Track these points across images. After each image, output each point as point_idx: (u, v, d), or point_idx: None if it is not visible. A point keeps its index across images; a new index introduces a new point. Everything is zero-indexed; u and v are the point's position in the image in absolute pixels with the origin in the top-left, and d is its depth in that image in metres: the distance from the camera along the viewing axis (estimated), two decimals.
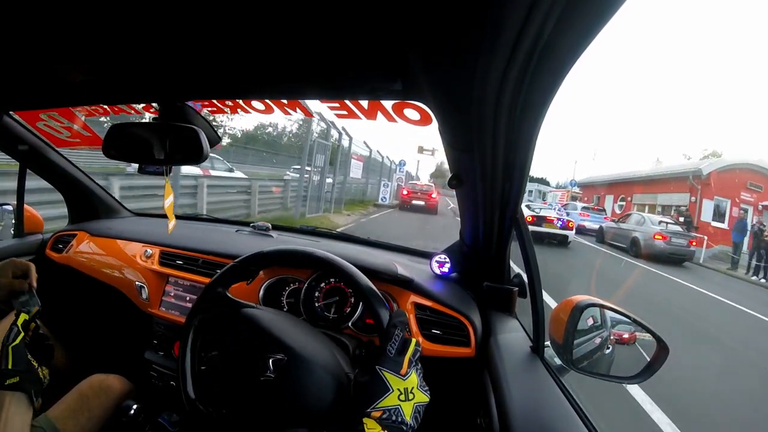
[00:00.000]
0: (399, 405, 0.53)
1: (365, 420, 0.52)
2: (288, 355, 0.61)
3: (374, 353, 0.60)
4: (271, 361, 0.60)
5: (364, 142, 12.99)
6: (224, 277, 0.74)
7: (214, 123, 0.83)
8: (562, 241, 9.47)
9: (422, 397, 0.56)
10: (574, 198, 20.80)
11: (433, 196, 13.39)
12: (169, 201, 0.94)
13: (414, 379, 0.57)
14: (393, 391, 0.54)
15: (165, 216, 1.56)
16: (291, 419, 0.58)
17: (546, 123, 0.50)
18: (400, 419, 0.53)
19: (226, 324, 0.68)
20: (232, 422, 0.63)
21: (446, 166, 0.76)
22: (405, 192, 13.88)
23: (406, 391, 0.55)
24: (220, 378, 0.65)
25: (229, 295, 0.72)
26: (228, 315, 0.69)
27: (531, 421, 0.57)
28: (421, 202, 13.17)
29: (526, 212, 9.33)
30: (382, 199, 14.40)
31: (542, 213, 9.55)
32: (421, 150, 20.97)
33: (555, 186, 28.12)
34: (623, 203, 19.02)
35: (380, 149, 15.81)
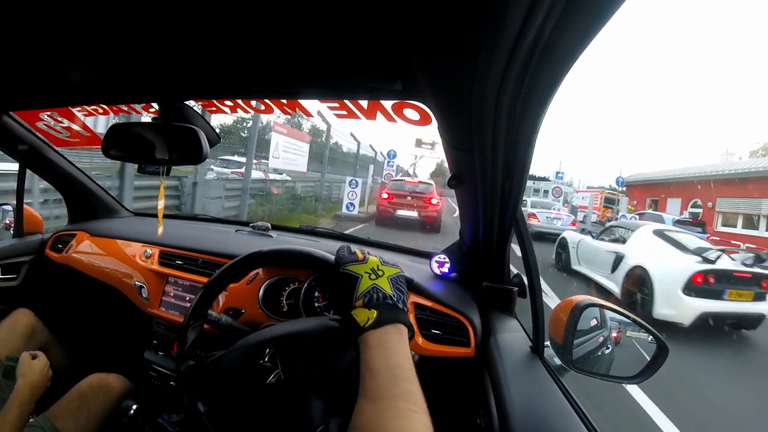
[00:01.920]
0: (374, 283, 0.54)
1: (352, 313, 0.53)
2: (274, 345, 0.61)
3: (333, 267, 0.61)
4: (266, 359, 0.60)
5: (319, 112, 5.91)
6: (186, 353, 0.71)
7: None
8: (746, 326, 3.93)
9: (392, 270, 0.58)
10: (610, 201, 15.20)
11: (434, 201, 8.19)
12: (162, 203, 0.94)
13: (374, 258, 0.58)
14: (362, 276, 0.55)
15: (165, 216, 1.56)
16: (319, 394, 0.58)
17: (548, 117, 0.50)
18: (381, 295, 0.53)
19: (215, 377, 0.66)
20: None
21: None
22: (385, 195, 8.41)
23: (374, 270, 0.56)
24: (240, 413, 0.64)
25: (195, 363, 0.69)
26: (211, 373, 0.67)
27: (531, 421, 0.57)
28: (413, 213, 7.96)
29: (693, 265, 3.80)
30: (347, 208, 9.03)
31: (723, 264, 3.88)
32: (419, 143, 16.37)
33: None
34: (698, 210, 13.54)
35: (368, 142, 10.93)
